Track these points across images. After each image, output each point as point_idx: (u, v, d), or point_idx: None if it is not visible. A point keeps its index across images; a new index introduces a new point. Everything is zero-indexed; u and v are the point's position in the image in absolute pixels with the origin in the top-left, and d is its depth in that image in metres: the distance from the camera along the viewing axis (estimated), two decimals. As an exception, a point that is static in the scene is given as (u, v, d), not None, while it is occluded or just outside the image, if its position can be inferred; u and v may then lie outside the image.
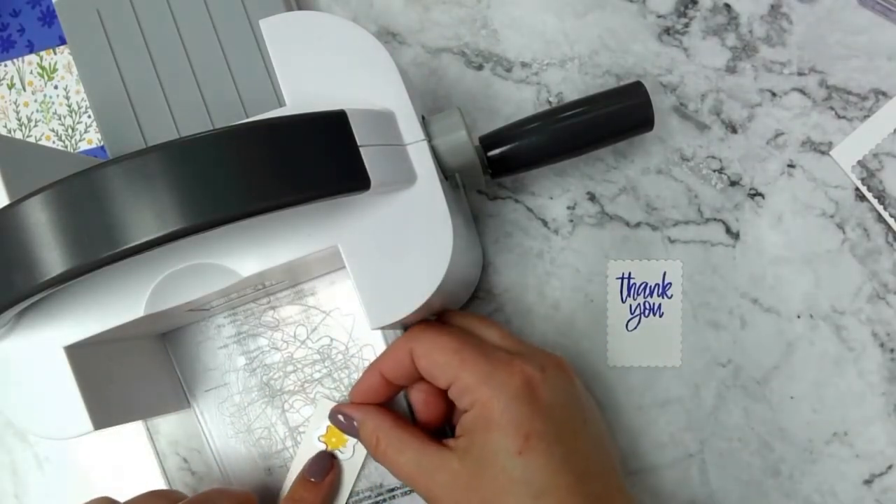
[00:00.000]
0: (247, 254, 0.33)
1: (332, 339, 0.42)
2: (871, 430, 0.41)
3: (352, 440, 0.41)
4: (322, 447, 0.41)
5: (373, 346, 0.41)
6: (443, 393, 0.37)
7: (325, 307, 0.42)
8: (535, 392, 0.33)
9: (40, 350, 0.33)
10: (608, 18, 0.45)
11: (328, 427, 0.41)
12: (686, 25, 0.45)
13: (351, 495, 0.41)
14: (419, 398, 0.37)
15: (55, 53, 0.50)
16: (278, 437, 0.41)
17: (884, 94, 0.43)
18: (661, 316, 0.43)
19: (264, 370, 0.42)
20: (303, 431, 0.41)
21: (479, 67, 0.46)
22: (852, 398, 0.41)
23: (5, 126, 0.50)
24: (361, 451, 0.41)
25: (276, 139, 0.29)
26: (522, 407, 0.32)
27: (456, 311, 0.39)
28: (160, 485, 0.45)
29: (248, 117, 0.40)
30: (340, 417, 0.38)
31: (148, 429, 0.46)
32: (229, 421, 0.42)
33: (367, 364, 0.41)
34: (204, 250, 0.33)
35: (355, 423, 0.37)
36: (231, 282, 0.33)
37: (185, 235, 0.27)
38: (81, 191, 0.27)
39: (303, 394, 0.41)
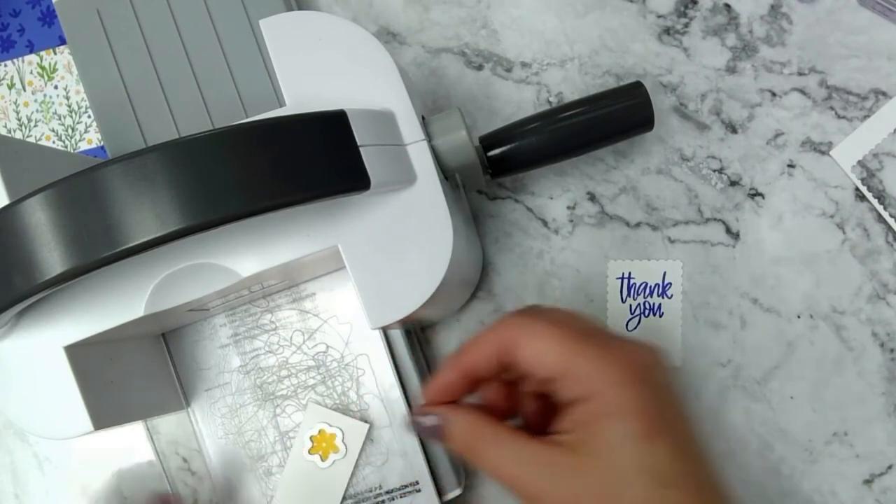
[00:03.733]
0: (247, 254, 0.33)
1: (327, 347, 0.42)
2: (871, 430, 0.41)
3: (342, 447, 0.40)
4: (313, 457, 0.41)
5: (368, 355, 0.41)
6: (514, 390, 0.35)
7: (323, 314, 0.42)
8: (653, 377, 0.31)
9: (40, 350, 0.33)
10: (608, 18, 0.45)
11: (318, 433, 0.41)
12: (686, 25, 0.45)
13: (345, 498, 0.40)
14: (489, 395, 0.35)
15: (55, 53, 0.50)
16: (268, 441, 0.41)
17: (884, 94, 0.43)
18: (661, 316, 0.43)
19: (258, 373, 0.42)
20: (293, 437, 0.41)
21: (479, 67, 0.46)
22: (852, 398, 0.41)
23: (5, 126, 0.50)
24: (351, 458, 0.40)
25: (276, 139, 0.29)
26: (645, 391, 0.30)
27: (539, 305, 0.36)
28: (160, 486, 0.45)
29: (248, 117, 0.40)
30: (422, 420, 0.34)
31: (148, 429, 0.46)
32: (220, 422, 0.42)
33: (361, 374, 0.41)
34: (204, 250, 0.33)
35: (443, 423, 0.33)
36: (231, 282, 0.33)
37: (184, 235, 0.27)
38: (81, 191, 0.27)
39: (295, 399, 0.41)
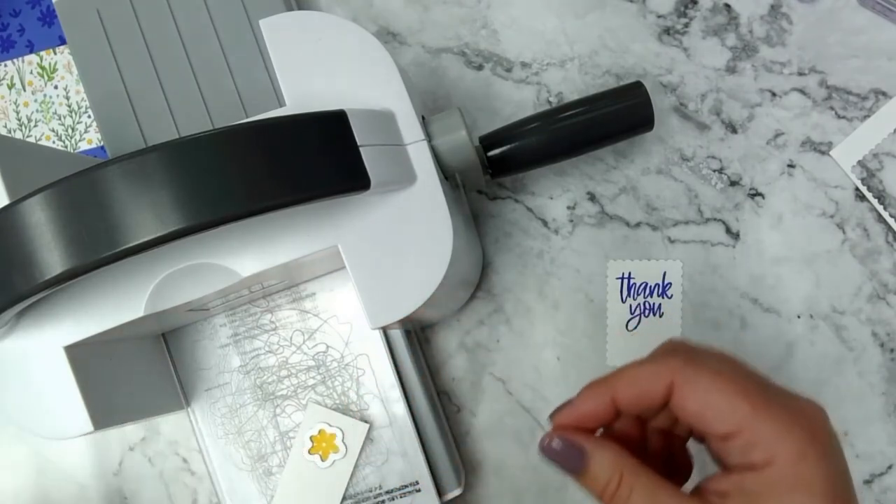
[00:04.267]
0: (247, 254, 0.33)
1: (327, 347, 0.41)
2: (871, 430, 0.41)
3: (342, 447, 0.40)
4: (312, 457, 0.41)
5: (368, 355, 0.41)
6: (643, 423, 0.33)
7: (323, 314, 0.42)
8: (834, 448, 0.28)
9: (40, 350, 0.33)
10: (608, 18, 0.45)
11: (318, 433, 0.41)
12: (686, 25, 0.45)
13: (345, 498, 0.40)
14: (620, 426, 0.32)
15: (55, 53, 0.50)
16: (268, 441, 0.41)
17: (884, 94, 0.43)
18: (661, 316, 0.43)
19: (258, 373, 0.42)
20: (293, 437, 0.41)
21: (479, 67, 0.46)
22: (852, 398, 0.41)
23: (5, 126, 0.50)
24: (351, 458, 0.40)
25: (276, 139, 0.29)
26: (829, 466, 0.27)
27: (694, 344, 0.32)
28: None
29: (248, 117, 0.40)
30: (557, 444, 0.30)
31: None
32: (220, 422, 0.42)
33: (361, 374, 0.41)
34: (204, 250, 0.33)
35: (584, 455, 0.30)
36: (231, 282, 0.33)
37: (184, 235, 0.27)
38: (81, 191, 0.27)
39: (295, 399, 0.41)
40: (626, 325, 0.43)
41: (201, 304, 0.36)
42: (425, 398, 0.41)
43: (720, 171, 0.43)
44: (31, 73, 0.50)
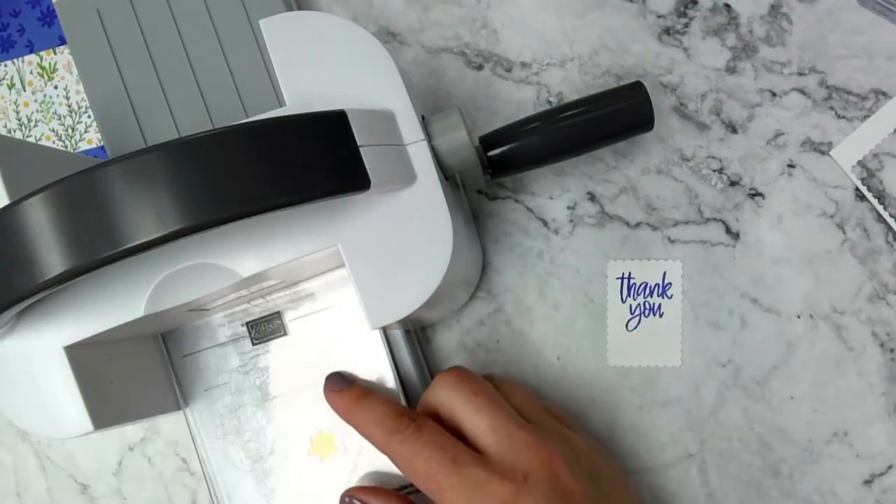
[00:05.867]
0: (247, 254, 0.33)
1: (327, 347, 0.41)
2: (871, 430, 0.41)
3: (341, 447, 0.40)
4: (312, 457, 0.41)
5: (367, 355, 0.41)
6: None
7: (323, 313, 0.42)
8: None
9: (40, 350, 0.33)
10: (608, 18, 0.45)
11: (317, 433, 0.41)
12: (686, 25, 0.45)
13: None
14: None
15: (55, 53, 0.50)
16: (267, 441, 0.41)
17: (884, 94, 0.43)
18: (661, 316, 0.43)
19: (258, 373, 0.42)
20: (292, 437, 0.41)
21: (479, 67, 0.46)
22: (852, 398, 0.41)
23: (5, 126, 0.50)
24: (351, 458, 0.40)
25: (276, 139, 0.29)
26: None
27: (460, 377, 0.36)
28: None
29: (248, 117, 0.40)
30: (354, 503, 0.37)
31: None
32: (219, 422, 0.42)
33: (360, 373, 0.41)
34: (204, 250, 0.33)
35: None
36: (231, 282, 0.33)
37: (184, 235, 0.27)
38: (81, 191, 0.27)
39: (294, 399, 0.41)
40: (626, 325, 0.43)
41: (201, 304, 0.36)
42: (425, 398, 0.41)
43: (720, 171, 0.43)
44: (31, 73, 0.50)
